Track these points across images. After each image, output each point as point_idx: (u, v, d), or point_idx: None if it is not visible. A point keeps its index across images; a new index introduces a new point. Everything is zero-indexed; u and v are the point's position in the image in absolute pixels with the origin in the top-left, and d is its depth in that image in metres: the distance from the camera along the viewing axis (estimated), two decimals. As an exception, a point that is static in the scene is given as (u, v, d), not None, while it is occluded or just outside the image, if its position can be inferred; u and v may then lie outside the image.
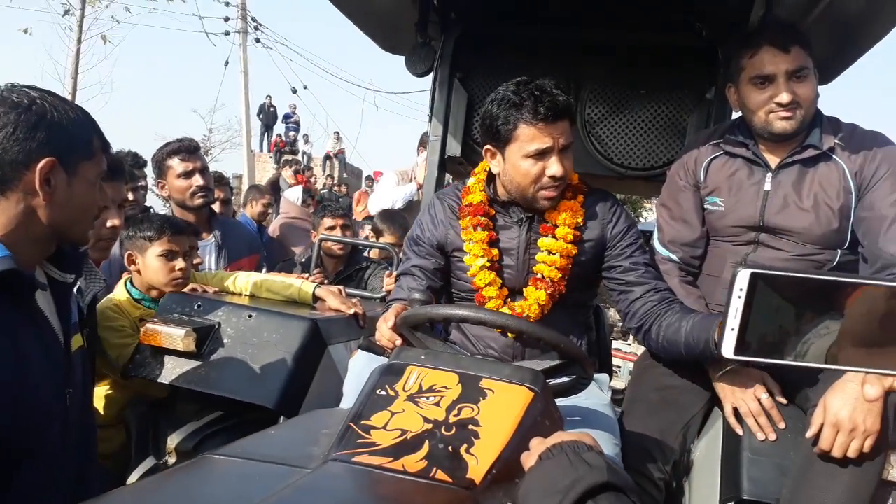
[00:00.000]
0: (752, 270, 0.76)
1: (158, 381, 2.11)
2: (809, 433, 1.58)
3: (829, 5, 2.29)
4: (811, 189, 1.86)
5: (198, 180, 2.95)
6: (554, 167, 1.80)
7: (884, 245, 1.75)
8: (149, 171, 3.54)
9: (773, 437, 1.73)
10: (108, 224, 2.14)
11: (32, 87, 1.39)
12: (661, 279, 1.94)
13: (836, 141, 1.86)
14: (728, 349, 0.77)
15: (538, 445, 1.08)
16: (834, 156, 1.86)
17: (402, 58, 3.00)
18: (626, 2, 2.61)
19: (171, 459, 2.08)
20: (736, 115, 2.07)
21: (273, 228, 5.39)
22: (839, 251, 1.89)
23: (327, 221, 4.01)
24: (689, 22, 2.69)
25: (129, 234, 2.35)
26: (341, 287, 2.65)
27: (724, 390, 1.82)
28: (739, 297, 0.76)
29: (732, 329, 0.77)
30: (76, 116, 1.39)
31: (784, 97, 1.81)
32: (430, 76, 2.93)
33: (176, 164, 2.95)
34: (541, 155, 1.79)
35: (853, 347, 0.75)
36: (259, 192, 5.66)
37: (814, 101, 1.86)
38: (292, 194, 6.58)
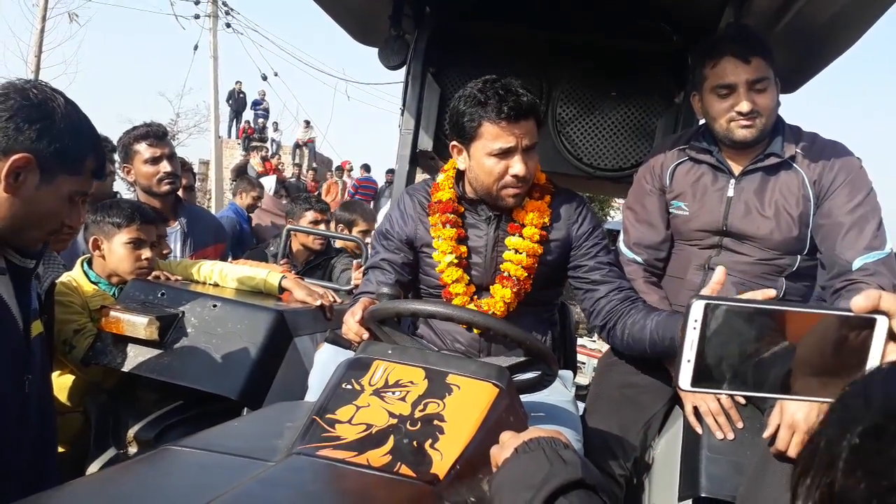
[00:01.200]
0: (705, 301, 0.76)
1: (119, 369, 2.08)
2: (766, 433, 1.62)
3: (797, 15, 2.35)
4: (772, 196, 1.91)
5: (165, 167, 2.90)
6: (517, 167, 1.80)
7: (840, 251, 1.81)
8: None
9: (731, 436, 1.77)
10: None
11: (60, 92, 1.39)
12: (624, 279, 1.97)
13: (797, 150, 1.91)
14: (685, 381, 0.76)
15: (512, 439, 1.08)
16: (794, 164, 1.91)
17: (376, 49, 2.99)
18: (598, 6, 2.64)
19: (133, 449, 2.06)
20: (703, 121, 2.10)
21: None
22: (799, 257, 1.94)
23: (311, 215, 3.96)
24: (660, 28, 2.73)
25: (95, 219, 2.30)
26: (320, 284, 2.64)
27: None
28: (695, 329, 0.76)
29: (689, 360, 0.76)
30: (81, 133, 1.39)
31: (744, 106, 1.85)
32: (403, 69, 2.93)
33: (143, 150, 2.89)
34: (504, 154, 1.80)
35: (808, 377, 0.75)
36: (251, 185, 5.72)
37: (774, 110, 1.90)
38: (266, 183, 6.60)
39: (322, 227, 3.96)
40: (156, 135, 2.93)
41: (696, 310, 0.76)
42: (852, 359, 0.74)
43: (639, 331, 1.81)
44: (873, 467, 0.43)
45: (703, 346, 0.76)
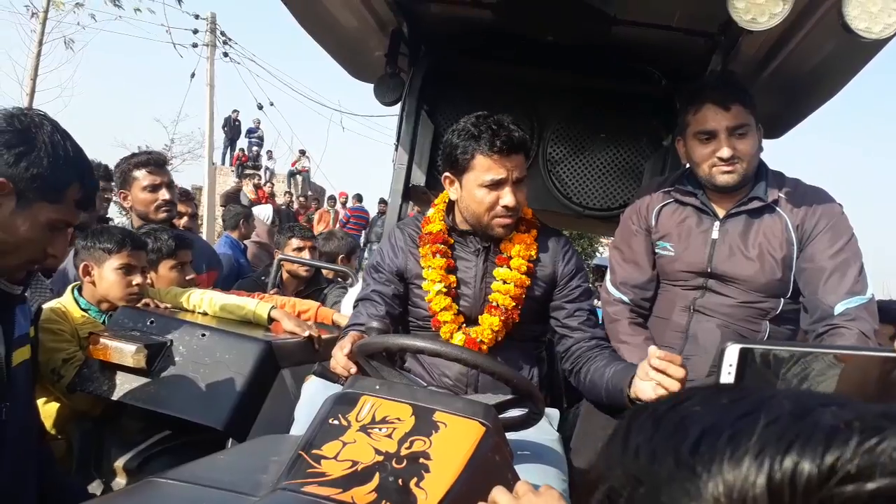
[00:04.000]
0: (741, 346, 0.73)
1: (106, 396, 2.07)
2: None
3: (782, 64, 2.42)
4: (756, 239, 1.95)
5: (164, 195, 2.93)
6: (507, 198, 1.86)
7: (822, 296, 1.84)
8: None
9: None
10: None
11: (49, 118, 1.39)
12: (599, 327, 2.03)
13: (781, 194, 1.96)
14: None
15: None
16: (778, 208, 1.95)
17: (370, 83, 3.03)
18: (589, 48, 2.70)
19: (116, 478, 2.04)
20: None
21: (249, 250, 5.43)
22: (782, 300, 1.97)
23: (295, 242, 3.99)
24: (649, 72, 2.80)
25: (86, 245, 2.30)
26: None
27: None
28: (729, 374, 0.73)
29: None
30: (66, 161, 1.38)
31: (725, 152, 1.90)
32: (398, 105, 2.98)
33: (142, 177, 2.93)
34: (495, 185, 1.86)
35: None
36: (247, 217, 5.66)
37: (755, 156, 1.95)
38: (262, 213, 6.56)
39: (306, 253, 3.98)
40: (156, 163, 2.99)
41: (731, 354, 0.73)
42: None
43: (598, 378, 1.86)
44: None
45: None
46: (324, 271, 4.16)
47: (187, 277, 2.71)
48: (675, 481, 0.40)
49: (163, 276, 2.67)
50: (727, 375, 0.73)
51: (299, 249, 3.98)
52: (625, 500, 0.43)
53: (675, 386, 1.55)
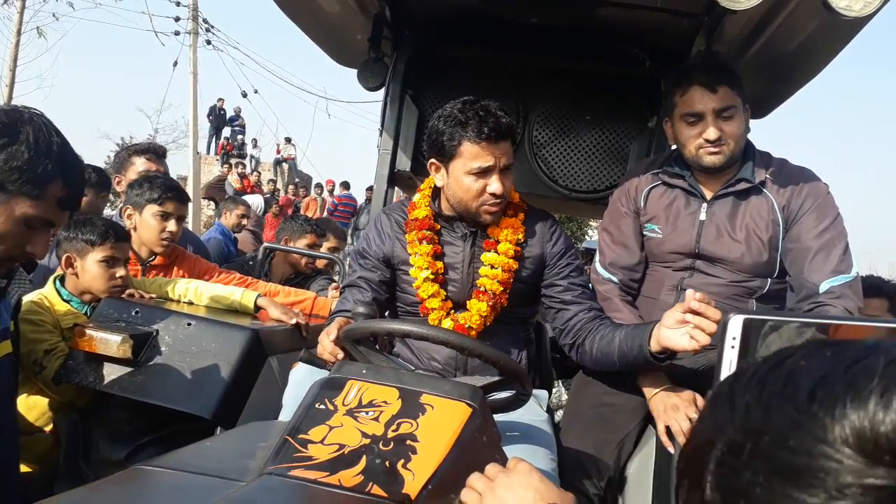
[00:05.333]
0: (744, 316, 0.71)
1: (92, 387, 2.06)
2: None
3: (766, 43, 2.42)
4: (743, 220, 1.95)
5: None
6: (494, 185, 1.85)
7: (808, 275, 1.86)
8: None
9: None
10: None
11: (43, 118, 1.36)
12: (595, 300, 2.02)
13: (767, 175, 1.96)
14: None
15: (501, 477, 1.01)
16: (764, 189, 1.96)
17: (355, 70, 3.01)
18: (574, 31, 2.69)
19: (104, 469, 2.02)
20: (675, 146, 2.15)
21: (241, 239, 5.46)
22: (769, 279, 1.98)
23: (309, 238, 3.95)
24: (634, 54, 2.79)
25: (68, 236, 2.27)
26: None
27: (658, 409, 1.88)
28: (733, 347, 0.70)
29: None
30: (48, 157, 1.34)
31: (711, 133, 1.90)
32: (382, 90, 2.96)
33: (139, 163, 3.02)
34: (483, 173, 1.84)
35: None
36: (234, 202, 5.69)
37: (742, 137, 1.95)
38: (252, 203, 6.57)
39: (317, 249, 3.96)
40: (155, 152, 3.11)
41: (734, 326, 0.70)
42: None
43: (607, 344, 1.84)
44: (731, 488, 0.45)
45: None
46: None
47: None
48: (801, 427, 0.42)
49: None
50: (730, 349, 0.70)
51: (314, 246, 3.94)
52: (749, 452, 0.44)
53: (712, 328, 1.51)
